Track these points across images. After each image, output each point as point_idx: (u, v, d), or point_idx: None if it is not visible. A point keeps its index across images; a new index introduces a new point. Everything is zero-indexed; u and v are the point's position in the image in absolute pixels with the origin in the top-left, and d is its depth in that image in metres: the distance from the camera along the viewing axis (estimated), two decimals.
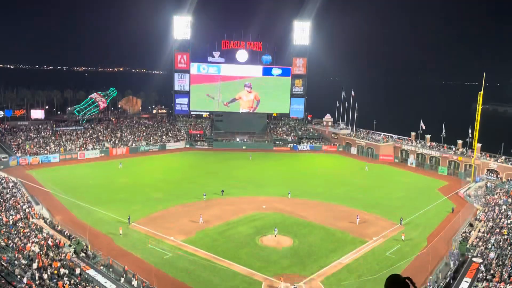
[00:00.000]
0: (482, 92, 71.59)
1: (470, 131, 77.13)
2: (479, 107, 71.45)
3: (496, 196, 61.68)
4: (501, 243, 44.88)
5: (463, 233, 49.79)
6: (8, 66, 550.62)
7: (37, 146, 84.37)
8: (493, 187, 67.60)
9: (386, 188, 71.89)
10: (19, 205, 50.73)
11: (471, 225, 52.84)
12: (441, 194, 69.20)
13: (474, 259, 41.52)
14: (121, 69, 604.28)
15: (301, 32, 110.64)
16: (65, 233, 45.70)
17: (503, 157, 75.01)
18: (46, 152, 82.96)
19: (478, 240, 46.66)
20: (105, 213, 55.17)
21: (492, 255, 42.35)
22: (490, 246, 44.39)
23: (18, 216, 47.27)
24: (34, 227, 45.11)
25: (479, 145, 77.48)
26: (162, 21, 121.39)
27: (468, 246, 45.53)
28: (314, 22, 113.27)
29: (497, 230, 48.37)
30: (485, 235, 47.69)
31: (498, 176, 73.17)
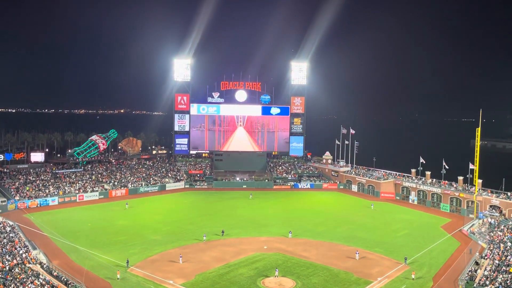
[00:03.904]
0: (479, 128, 72.09)
1: (470, 167, 76.89)
2: (478, 143, 71.69)
3: (500, 233, 60.78)
4: (508, 281, 43.79)
5: (469, 272, 48.71)
6: (9, 110, 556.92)
7: (36, 189, 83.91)
8: (496, 223, 66.75)
9: (389, 226, 70.92)
10: (15, 250, 49.86)
11: (477, 263, 51.76)
12: (445, 231, 68.22)
13: None
14: (122, 111, 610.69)
15: (299, 72, 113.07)
16: (62, 279, 44.64)
17: (509, 193, 73.83)
18: (44, 195, 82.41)
19: (485, 279, 45.54)
20: (103, 256, 54.11)
21: None
22: (497, 285, 43.25)
23: (15, 261, 46.40)
24: (30, 273, 44.14)
25: (480, 181, 77.12)
26: (163, 63, 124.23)
27: (475, 285, 44.39)
28: (311, 61, 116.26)
29: (504, 268, 47.33)
30: (492, 273, 46.61)
31: (502, 212, 72.33)
